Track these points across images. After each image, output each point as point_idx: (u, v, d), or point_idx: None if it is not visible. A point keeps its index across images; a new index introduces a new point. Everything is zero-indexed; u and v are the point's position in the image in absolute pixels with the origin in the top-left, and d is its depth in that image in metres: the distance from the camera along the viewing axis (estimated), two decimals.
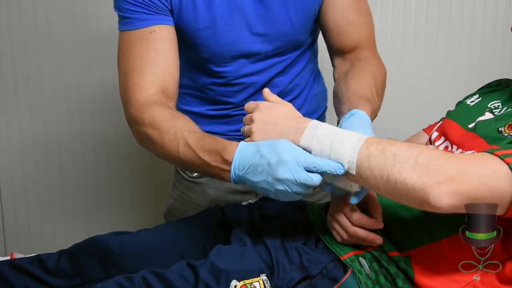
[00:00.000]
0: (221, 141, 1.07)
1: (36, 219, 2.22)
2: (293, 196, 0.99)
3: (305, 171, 0.96)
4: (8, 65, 2.05)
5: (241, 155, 1.01)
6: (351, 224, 1.07)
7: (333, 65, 1.38)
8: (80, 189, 2.20)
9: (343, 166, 0.96)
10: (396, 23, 2.01)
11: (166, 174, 1.74)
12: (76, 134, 2.14)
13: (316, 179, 0.97)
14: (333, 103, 1.29)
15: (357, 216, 1.07)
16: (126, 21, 1.24)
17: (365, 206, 1.11)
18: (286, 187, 0.97)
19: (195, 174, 1.49)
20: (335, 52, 1.37)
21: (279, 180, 0.97)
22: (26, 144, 2.14)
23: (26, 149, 2.14)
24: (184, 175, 1.51)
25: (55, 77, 2.07)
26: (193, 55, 1.32)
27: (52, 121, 2.12)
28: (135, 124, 1.19)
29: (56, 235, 2.22)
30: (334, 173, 0.97)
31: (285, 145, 0.98)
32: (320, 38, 1.44)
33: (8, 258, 1.22)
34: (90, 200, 2.22)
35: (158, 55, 1.22)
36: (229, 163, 1.03)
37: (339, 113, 1.21)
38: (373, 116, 1.18)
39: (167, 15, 1.25)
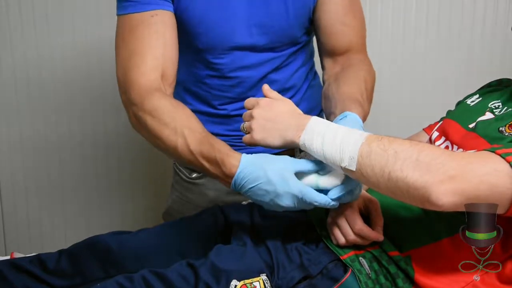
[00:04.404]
0: (219, 149, 1.06)
1: (36, 219, 2.22)
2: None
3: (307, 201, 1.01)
4: (8, 65, 2.05)
5: (244, 175, 1.03)
6: (352, 232, 1.07)
7: (323, 67, 1.39)
8: (80, 189, 2.20)
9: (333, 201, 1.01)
10: (396, 23, 2.01)
11: (167, 174, 1.74)
12: (76, 134, 2.14)
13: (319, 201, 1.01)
14: (322, 103, 1.30)
15: (360, 226, 1.06)
16: (127, 4, 1.23)
17: (367, 215, 1.10)
18: (286, 209, 1.03)
19: (194, 175, 1.48)
20: (326, 53, 1.38)
21: (281, 206, 1.02)
22: (26, 144, 2.14)
23: (26, 149, 2.14)
24: (183, 176, 1.51)
25: (55, 77, 2.07)
26: (191, 45, 1.31)
27: (52, 121, 2.12)
28: (134, 107, 1.18)
29: (56, 235, 2.22)
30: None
31: (292, 177, 1.01)
32: (315, 40, 1.44)
33: (8, 257, 1.22)
34: (90, 199, 2.22)
35: (159, 39, 1.22)
36: (229, 177, 1.04)
37: (329, 114, 1.22)
38: (363, 119, 1.19)
39: (168, 1, 1.25)
